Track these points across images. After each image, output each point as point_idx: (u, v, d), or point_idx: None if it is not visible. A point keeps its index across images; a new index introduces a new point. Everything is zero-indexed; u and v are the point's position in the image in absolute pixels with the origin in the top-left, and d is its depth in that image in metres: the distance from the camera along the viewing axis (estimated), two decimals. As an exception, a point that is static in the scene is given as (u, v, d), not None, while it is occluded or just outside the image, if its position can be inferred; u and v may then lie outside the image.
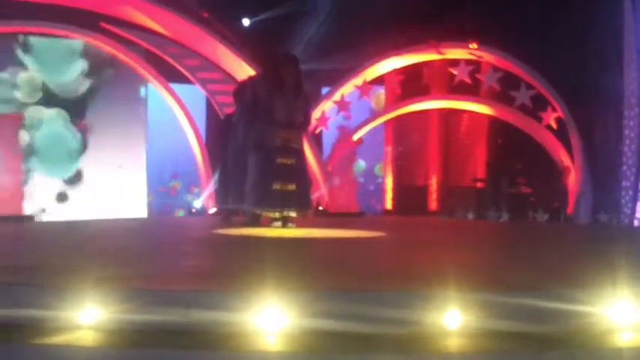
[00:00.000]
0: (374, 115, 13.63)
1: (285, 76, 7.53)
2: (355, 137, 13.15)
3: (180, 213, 13.41)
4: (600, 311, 3.13)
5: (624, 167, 10.76)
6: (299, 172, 7.48)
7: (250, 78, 9.15)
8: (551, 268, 4.37)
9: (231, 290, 3.21)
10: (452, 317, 3.02)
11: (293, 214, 7.45)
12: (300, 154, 7.59)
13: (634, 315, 3.13)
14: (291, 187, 7.33)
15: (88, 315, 3.01)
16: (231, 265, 4.48)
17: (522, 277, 3.79)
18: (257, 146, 7.59)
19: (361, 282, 3.59)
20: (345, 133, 13.00)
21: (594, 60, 10.86)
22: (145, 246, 6.11)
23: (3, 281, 3.35)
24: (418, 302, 3.07)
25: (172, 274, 3.93)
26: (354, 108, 13.19)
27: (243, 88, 8.80)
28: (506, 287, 3.33)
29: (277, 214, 7.46)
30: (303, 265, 4.45)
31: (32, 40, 11.36)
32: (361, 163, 14.29)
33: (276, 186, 7.29)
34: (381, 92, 14.00)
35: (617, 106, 10.98)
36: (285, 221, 7.45)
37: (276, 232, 7.04)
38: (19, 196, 10.84)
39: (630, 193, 10.66)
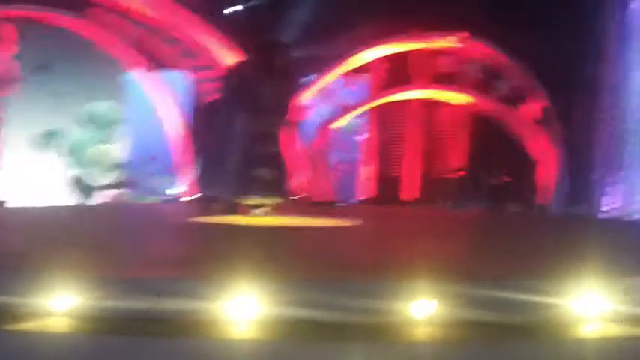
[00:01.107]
0: (355, 104, 13.62)
1: (273, 61, 7.51)
2: (335, 125, 13.16)
3: (155, 199, 13.32)
4: (566, 302, 3.19)
5: (597, 161, 10.86)
6: (278, 161, 7.48)
7: (236, 64, 9.12)
8: (521, 259, 4.42)
9: (205, 278, 3.23)
10: (421, 307, 3.07)
11: (271, 201, 7.46)
12: (280, 142, 7.59)
13: (599, 307, 3.19)
14: (270, 174, 7.32)
15: (60, 301, 3.03)
16: (205, 253, 4.49)
17: (493, 268, 3.84)
18: (240, 132, 7.57)
19: (334, 271, 3.63)
20: (324, 123, 13.00)
21: (576, 53, 10.91)
22: (119, 233, 6.09)
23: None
24: (389, 291, 3.11)
25: (146, 261, 3.95)
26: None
27: (228, 75, 8.77)
28: (476, 278, 3.39)
29: (256, 202, 7.45)
30: (277, 254, 4.48)
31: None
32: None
33: (256, 173, 7.28)
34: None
35: (596, 99, 11.05)
36: (264, 208, 7.45)
37: (251, 220, 7.05)
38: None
39: (601, 186, 10.76)
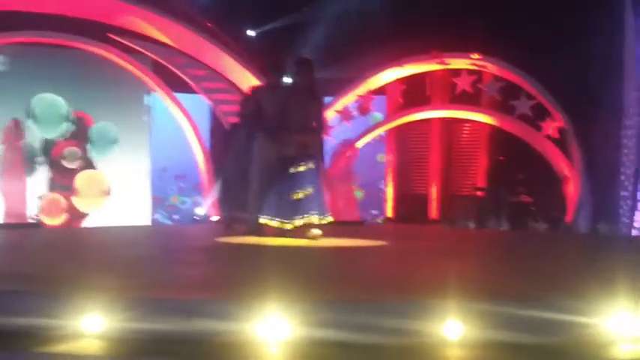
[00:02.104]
0: (375, 124, 13.64)
1: (298, 79, 7.24)
2: (357, 145, 13.18)
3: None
4: (599, 323, 3.15)
5: (622, 177, 10.79)
6: (314, 180, 7.02)
7: (253, 87, 9.15)
8: (550, 278, 4.39)
9: (234, 299, 3.23)
10: (452, 328, 3.04)
11: (314, 221, 6.96)
12: (315, 160, 7.09)
13: (633, 327, 3.15)
14: (306, 194, 6.93)
15: (91, 323, 3.04)
16: (233, 274, 4.50)
17: (522, 288, 3.81)
18: (268, 154, 7.46)
19: (362, 292, 3.62)
20: (345, 143, 13.01)
21: (594, 70, 10.89)
22: (148, 254, 6.12)
23: (7, 289, 3.39)
24: (418, 312, 3.09)
25: (175, 283, 3.96)
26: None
27: (246, 98, 8.80)
28: (506, 298, 3.35)
29: (294, 225, 7.00)
30: (305, 275, 4.47)
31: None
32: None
33: (294, 195, 6.93)
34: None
35: (617, 116, 11.02)
36: (315, 230, 7.00)
37: (277, 241, 6.99)
38: (24, 203, 10.91)
39: (629, 202, 10.69)
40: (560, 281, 4.19)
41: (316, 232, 6.99)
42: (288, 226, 7.04)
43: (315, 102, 7.28)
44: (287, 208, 6.98)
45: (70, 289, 3.41)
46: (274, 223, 7.13)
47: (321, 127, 7.43)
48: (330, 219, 7.15)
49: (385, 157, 14.35)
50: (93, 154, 12.01)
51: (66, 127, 11.75)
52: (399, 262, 5.72)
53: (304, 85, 7.17)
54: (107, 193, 12.00)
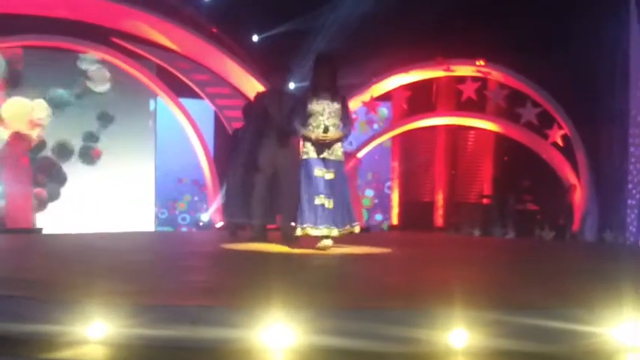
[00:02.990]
0: (380, 131, 13.65)
1: (319, 79, 6.69)
2: (361, 154, 13.18)
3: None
4: (606, 332, 3.13)
5: (630, 185, 10.77)
6: (336, 191, 6.61)
7: (259, 93, 9.14)
8: (557, 287, 4.37)
9: (238, 306, 3.22)
10: (458, 336, 3.02)
11: (335, 233, 6.60)
12: (338, 166, 6.66)
13: (639, 336, 3.12)
14: (325, 204, 6.51)
15: (95, 330, 3.03)
16: (238, 281, 4.48)
17: (529, 297, 3.79)
18: (276, 160, 7.38)
19: (367, 299, 3.60)
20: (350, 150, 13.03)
21: (600, 77, 10.88)
22: (152, 260, 6.11)
23: (11, 295, 3.38)
24: (424, 320, 3.07)
25: (180, 290, 3.95)
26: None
27: (252, 104, 8.79)
28: (513, 306, 3.33)
29: (319, 233, 6.54)
30: (309, 282, 4.45)
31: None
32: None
33: (318, 201, 6.50)
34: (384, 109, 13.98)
35: (623, 124, 11.01)
36: (327, 240, 6.64)
37: (282, 247, 6.98)
38: (29, 208, 10.93)
39: (635, 211, 10.66)
40: (566, 290, 4.17)
41: (327, 242, 6.66)
42: (317, 233, 6.58)
43: (338, 101, 6.73)
44: (315, 213, 6.57)
45: (73, 295, 3.40)
46: (313, 230, 6.62)
47: (347, 127, 6.82)
48: (346, 231, 6.73)
49: (391, 163, 14.35)
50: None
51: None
52: (404, 270, 5.70)
53: (326, 85, 6.69)
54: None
